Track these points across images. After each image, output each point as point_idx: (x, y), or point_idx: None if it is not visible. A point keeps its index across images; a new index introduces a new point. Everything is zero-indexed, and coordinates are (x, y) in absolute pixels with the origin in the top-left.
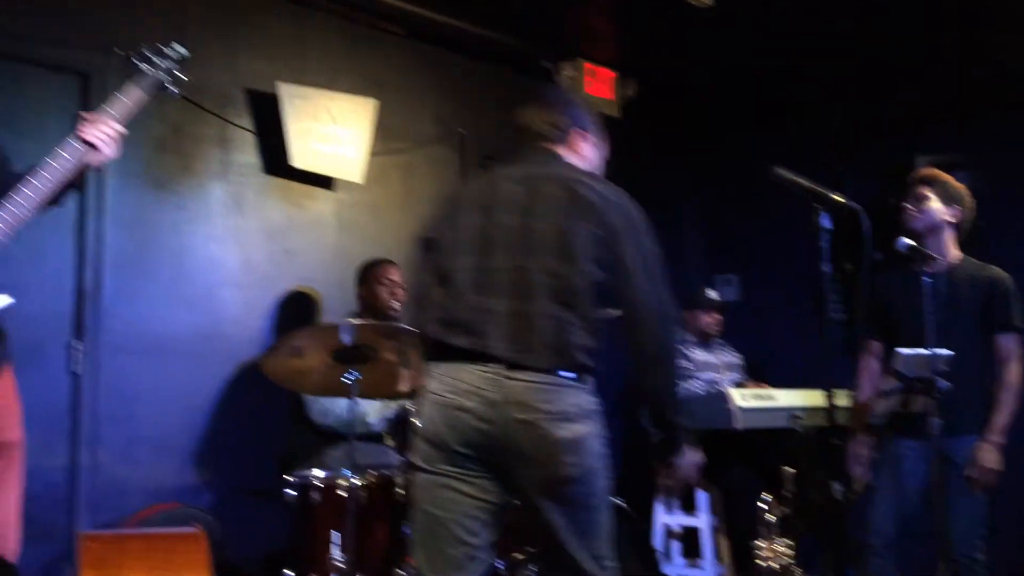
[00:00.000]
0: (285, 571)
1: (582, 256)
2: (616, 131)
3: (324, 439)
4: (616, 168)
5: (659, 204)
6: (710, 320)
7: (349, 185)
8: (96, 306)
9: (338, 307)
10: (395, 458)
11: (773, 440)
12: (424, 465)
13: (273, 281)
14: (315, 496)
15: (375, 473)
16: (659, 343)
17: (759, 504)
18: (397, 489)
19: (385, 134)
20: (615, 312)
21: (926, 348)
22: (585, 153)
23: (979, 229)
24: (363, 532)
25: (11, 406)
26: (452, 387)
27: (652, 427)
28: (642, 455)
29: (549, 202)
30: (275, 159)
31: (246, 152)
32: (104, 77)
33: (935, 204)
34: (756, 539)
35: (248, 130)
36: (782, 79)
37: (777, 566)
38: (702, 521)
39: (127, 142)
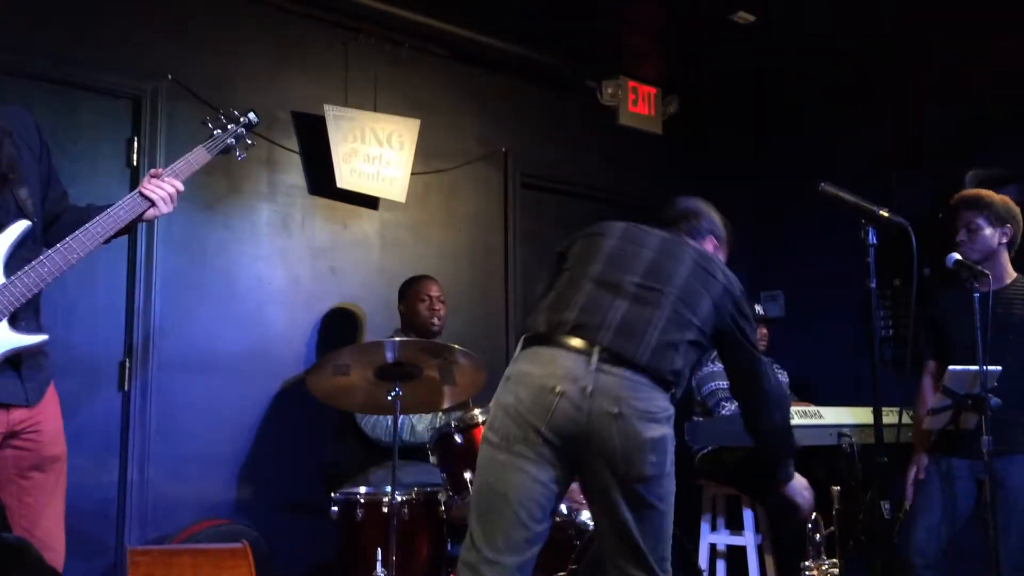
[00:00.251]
0: None
1: (700, 309)
2: (659, 148)
3: (370, 455)
4: (660, 184)
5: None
6: (757, 336)
7: (392, 204)
8: (146, 325)
9: (382, 324)
10: (438, 476)
11: (820, 458)
12: (500, 443)
13: (319, 299)
14: (359, 513)
15: (419, 490)
16: (784, 418)
17: (806, 523)
18: (440, 507)
19: (428, 153)
20: None
21: (977, 365)
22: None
23: None
24: (406, 549)
25: (56, 420)
26: (549, 371)
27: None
28: (686, 474)
29: (683, 256)
30: (321, 180)
31: (292, 173)
32: (156, 102)
33: (987, 231)
34: (802, 558)
35: (294, 151)
36: (826, 94)
37: None
38: (748, 540)
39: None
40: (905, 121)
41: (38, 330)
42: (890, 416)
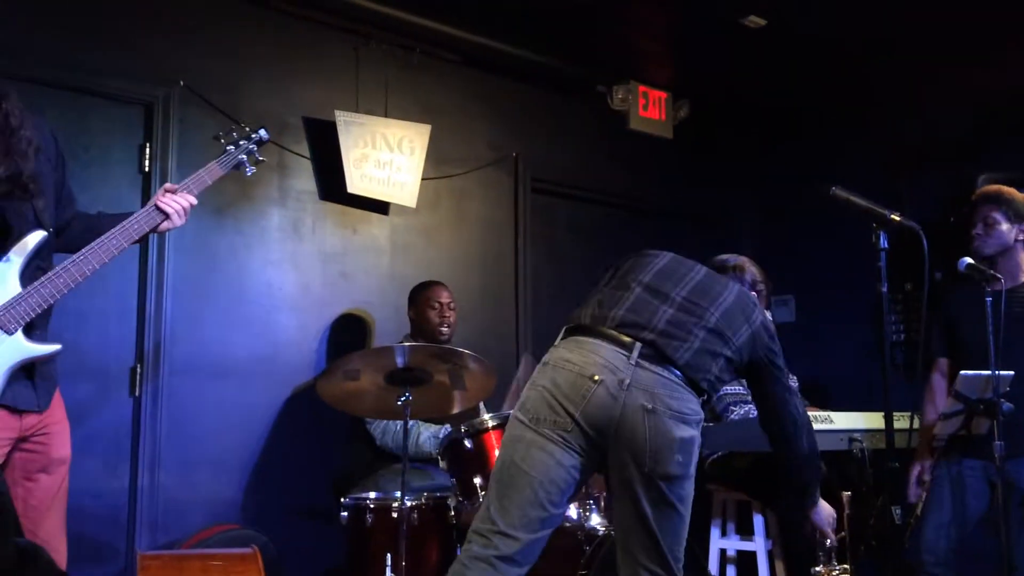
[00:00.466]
0: None
1: (739, 335)
2: (669, 152)
3: (379, 460)
4: (670, 189)
5: (713, 224)
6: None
7: (403, 209)
8: (157, 330)
9: (392, 330)
10: (448, 480)
11: (831, 463)
12: (529, 423)
13: (329, 304)
14: (369, 518)
15: (428, 495)
16: (812, 445)
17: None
18: (450, 512)
19: (438, 159)
20: None
21: (990, 368)
22: None
23: None
24: (416, 554)
25: (63, 423)
26: (590, 360)
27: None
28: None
29: (728, 285)
30: (331, 185)
31: (303, 178)
32: (168, 108)
33: (1004, 226)
34: (813, 564)
35: (305, 157)
36: (836, 97)
37: None
38: (758, 545)
39: (188, 170)
40: (915, 124)
41: (50, 340)
42: (901, 421)
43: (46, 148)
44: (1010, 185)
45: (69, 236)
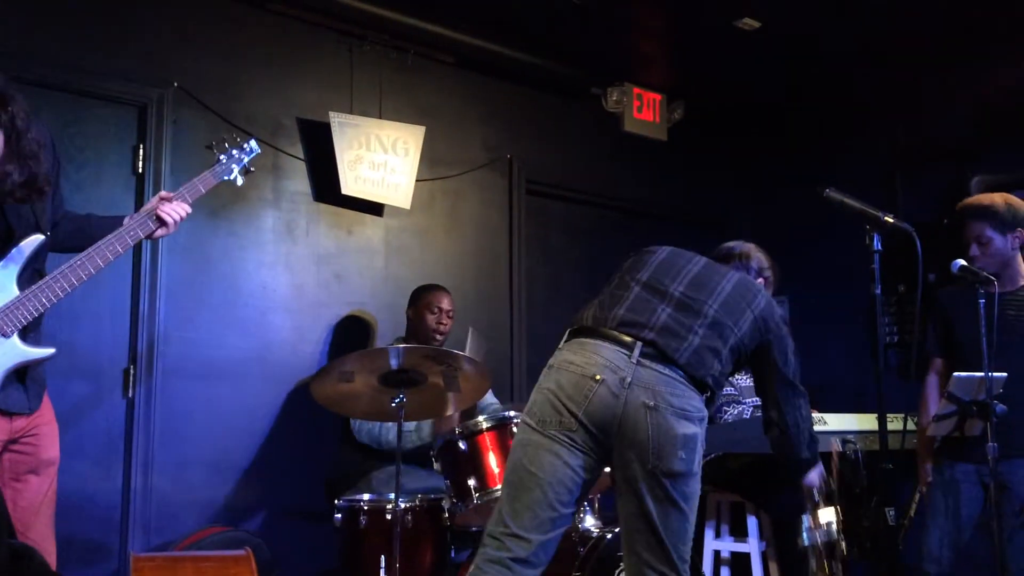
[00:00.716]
0: None
1: (742, 323)
2: (664, 154)
3: (373, 461)
4: (665, 191)
5: (707, 226)
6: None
7: (397, 211)
8: (151, 331)
9: (387, 331)
10: (442, 482)
11: (824, 465)
12: (536, 426)
13: (323, 306)
14: (363, 520)
15: (422, 497)
16: (813, 452)
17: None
18: (444, 514)
19: (433, 160)
20: None
21: (983, 370)
22: None
23: None
24: (410, 556)
25: (52, 424)
26: (591, 360)
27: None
28: None
29: (727, 274)
30: (326, 186)
31: (297, 180)
32: (161, 109)
33: (998, 242)
34: (807, 563)
35: (299, 158)
36: (831, 99)
37: None
38: (752, 547)
39: (182, 171)
40: (910, 126)
41: (43, 342)
42: (895, 423)
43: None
44: (1003, 188)
45: (57, 236)
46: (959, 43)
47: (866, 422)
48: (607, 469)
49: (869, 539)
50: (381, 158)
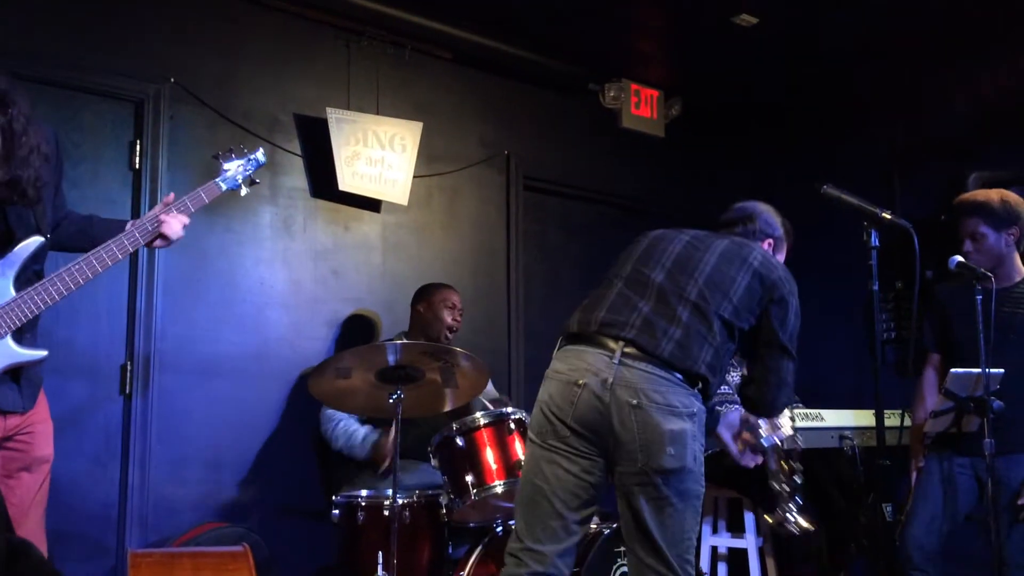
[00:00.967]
0: None
1: (734, 295)
2: (661, 150)
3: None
4: (662, 187)
5: (705, 222)
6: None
7: (395, 207)
8: (148, 328)
9: (384, 327)
10: (440, 478)
11: (822, 461)
12: (536, 439)
13: (320, 302)
14: (361, 516)
15: (420, 493)
16: (770, 405)
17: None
18: (441, 510)
19: (430, 156)
20: None
21: (980, 367)
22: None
23: None
24: (407, 552)
25: (46, 422)
26: (575, 366)
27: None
28: None
29: (720, 248)
30: (323, 182)
31: (294, 176)
32: (158, 105)
33: (992, 238)
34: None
35: (296, 154)
36: (829, 96)
37: None
38: (749, 542)
39: (179, 167)
40: (908, 123)
41: (38, 342)
42: (892, 419)
43: (49, 152)
44: (1001, 185)
45: (59, 236)
46: (958, 41)
47: (863, 418)
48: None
49: (866, 535)
50: (378, 154)
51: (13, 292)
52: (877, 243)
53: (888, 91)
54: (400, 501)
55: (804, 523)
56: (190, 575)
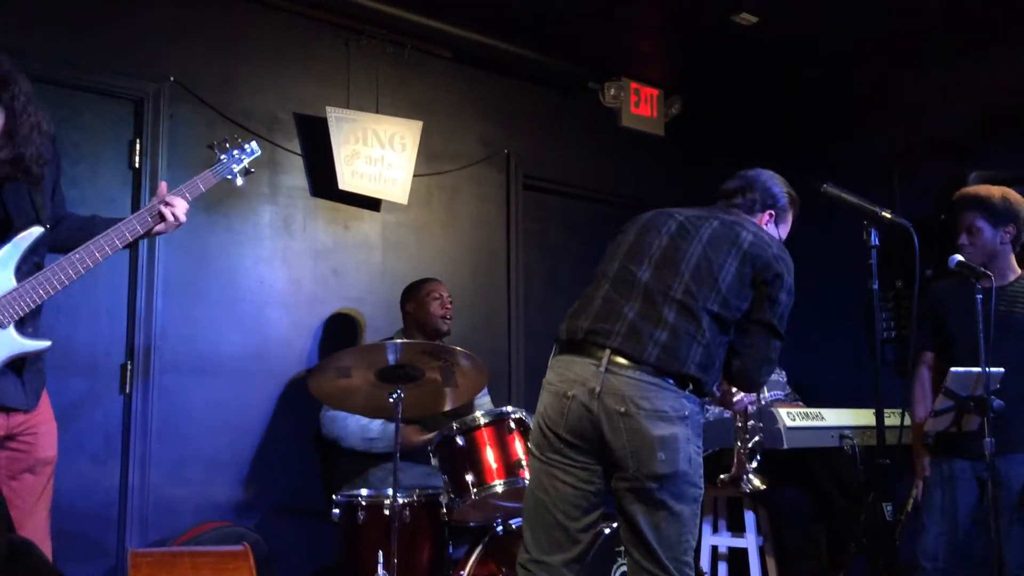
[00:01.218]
0: None
1: (722, 284)
2: (661, 149)
3: (371, 457)
4: (662, 186)
5: None
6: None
7: (394, 206)
8: (148, 327)
9: (384, 326)
10: (440, 478)
11: (822, 460)
12: (536, 452)
13: (320, 301)
14: (361, 515)
15: (420, 492)
16: (752, 380)
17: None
18: (441, 510)
19: (430, 155)
20: None
21: (979, 366)
22: (767, 228)
23: None
24: (407, 551)
25: (50, 423)
26: (564, 377)
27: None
28: None
29: (708, 233)
30: (323, 182)
31: (294, 175)
32: (158, 104)
33: (988, 233)
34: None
35: (296, 153)
36: (828, 95)
37: None
38: (749, 542)
39: (179, 166)
40: (908, 122)
41: (41, 335)
42: (892, 418)
43: (51, 131)
44: (1001, 183)
45: (59, 236)
46: (958, 41)
47: (863, 417)
48: None
49: (866, 534)
50: (378, 153)
51: (14, 282)
52: (877, 242)
53: (888, 91)
54: (400, 500)
55: (757, 482)
56: (190, 574)
